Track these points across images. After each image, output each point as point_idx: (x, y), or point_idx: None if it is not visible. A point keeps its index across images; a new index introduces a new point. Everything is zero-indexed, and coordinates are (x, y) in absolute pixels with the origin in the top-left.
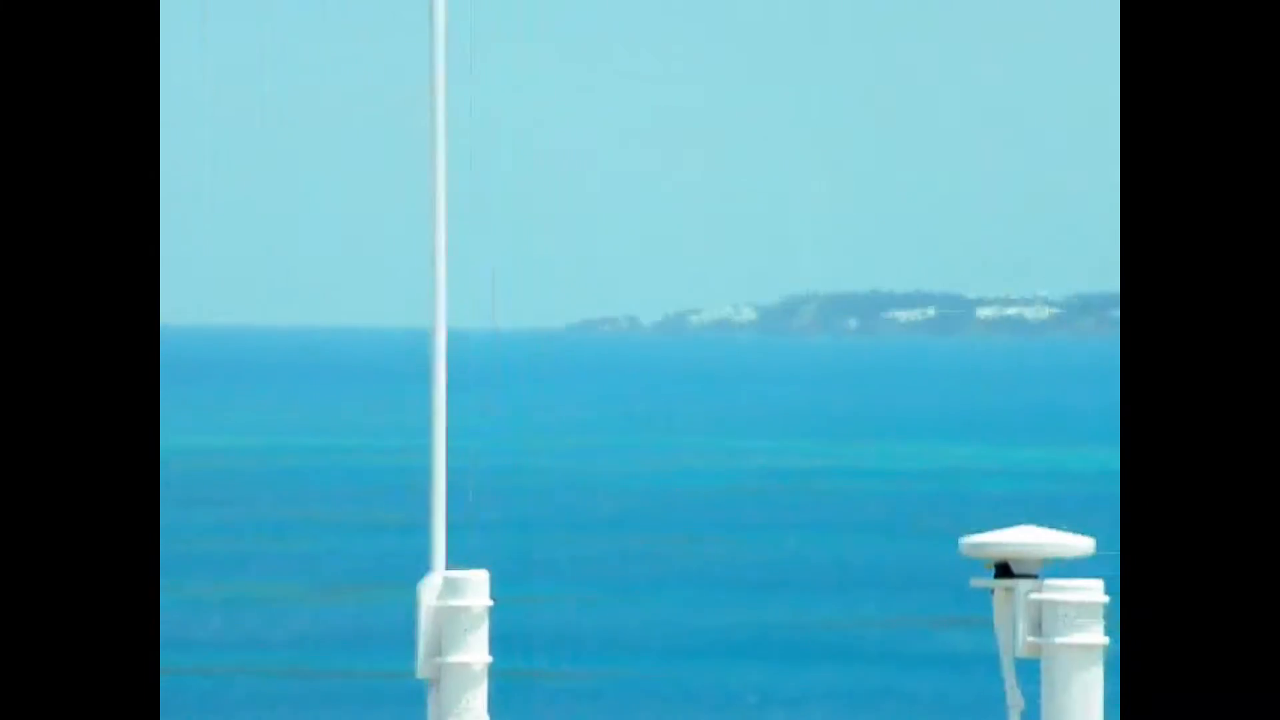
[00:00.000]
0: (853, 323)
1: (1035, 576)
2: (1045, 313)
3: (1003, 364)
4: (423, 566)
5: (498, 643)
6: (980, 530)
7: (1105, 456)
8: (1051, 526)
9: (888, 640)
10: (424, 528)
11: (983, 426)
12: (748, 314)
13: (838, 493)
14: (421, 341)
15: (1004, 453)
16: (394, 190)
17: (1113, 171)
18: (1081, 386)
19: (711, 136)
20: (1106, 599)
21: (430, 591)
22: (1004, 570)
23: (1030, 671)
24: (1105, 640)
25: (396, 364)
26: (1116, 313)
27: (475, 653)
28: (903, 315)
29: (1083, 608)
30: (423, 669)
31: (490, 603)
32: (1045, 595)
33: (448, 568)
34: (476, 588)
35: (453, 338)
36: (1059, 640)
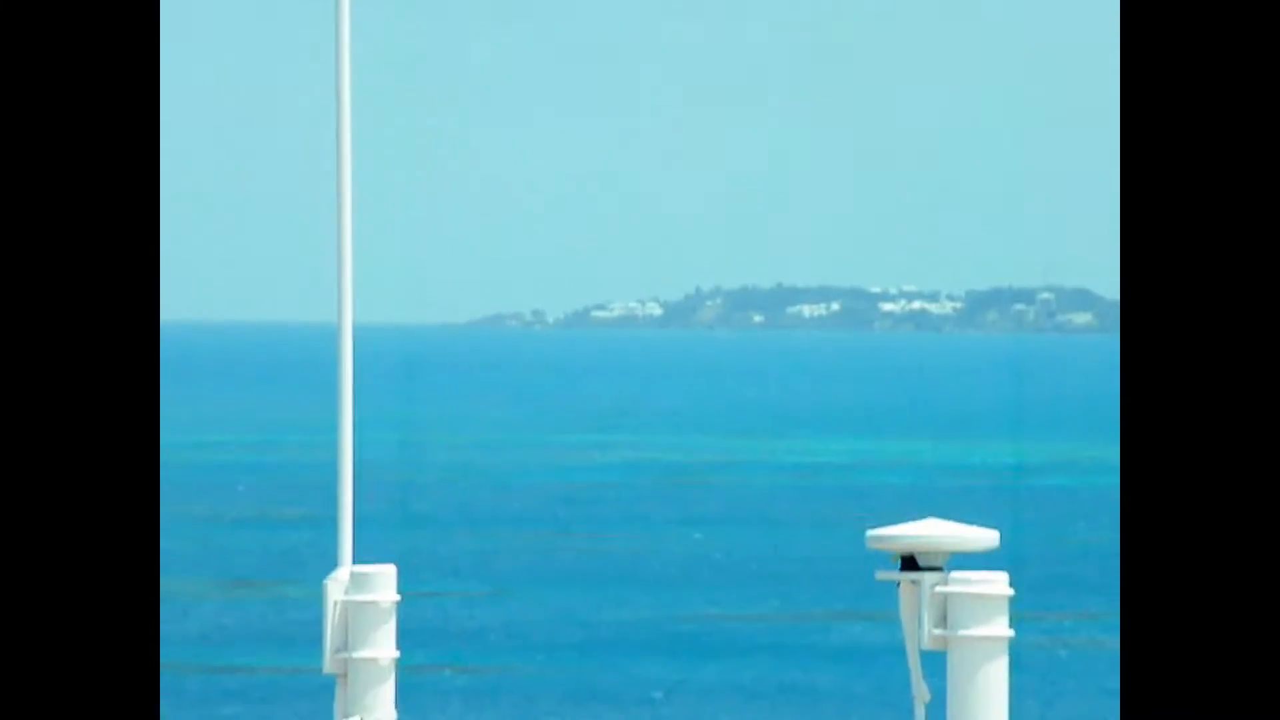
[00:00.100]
0: (758, 317)
1: (941, 569)
2: (949, 307)
3: (907, 358)
4: (330, 561)
5: (405, 638)
6: (885, 524)
7: (1008, 450)
8: (956, 520)
9: (793, 634)
10: (331, 523)
11: (887, 420)
12: (653, 309)
13: (742, 487)
14: (327, 337)
15: (908, 446)
16: (302, 187)
17: (1019, 166)
18: (985, 381)
19: (616, 132)
20: (1011, 592)
21: (337, 586)
22: (910, 563)
23: (936, 664)
24: (1010, 633)
25: (302, 358)
26: (1019, 307)
27: (383, 648)
28: (808, 310)
29: (988, 600)
30: (330, 664)
31: (398, 598)
32: (951, 588)
33: (355, 563)
34: (384, 583)
35: (359, 333)
36: (964, 633)
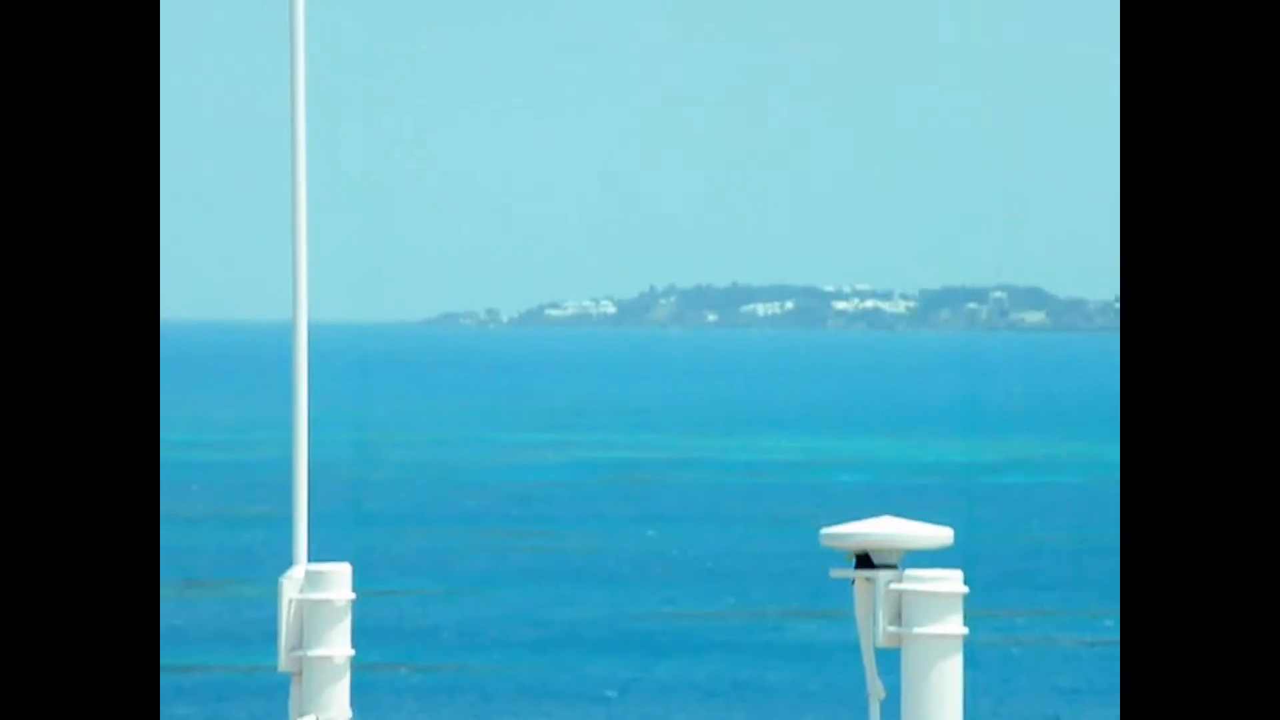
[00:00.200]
0: (712, 316)
1: (895, 567)
2: (902, 306)
3: (861, 357)
4: (284, 560)
5: (359, 636)
6: (840, 522)
7: (961, 448)
8: (910, 518)
9: (747, 632)
10: (285, 522)
11: (841, 419)
12: (607, 307)
13: (696, 485)
14: (280, 335)
15: (862, 445)
16: (259, 185)
17: (972, 165)
18: (938, 379)
19: (571, 131)
20: (965, 589)
21: (292, 585)
22: (864, 561)
23: (891, 661)
24: (964, 630)
25: (256, 357)
26: (972, 306)
27: (337, 646)
28: (761, 308)
29: (942, 598)
30: (284, 663)
31: (353, 596)
32: (905, 586)
33: (309, 561)
34: (339, 581)
35: (312, 330)
36: (919, 630)
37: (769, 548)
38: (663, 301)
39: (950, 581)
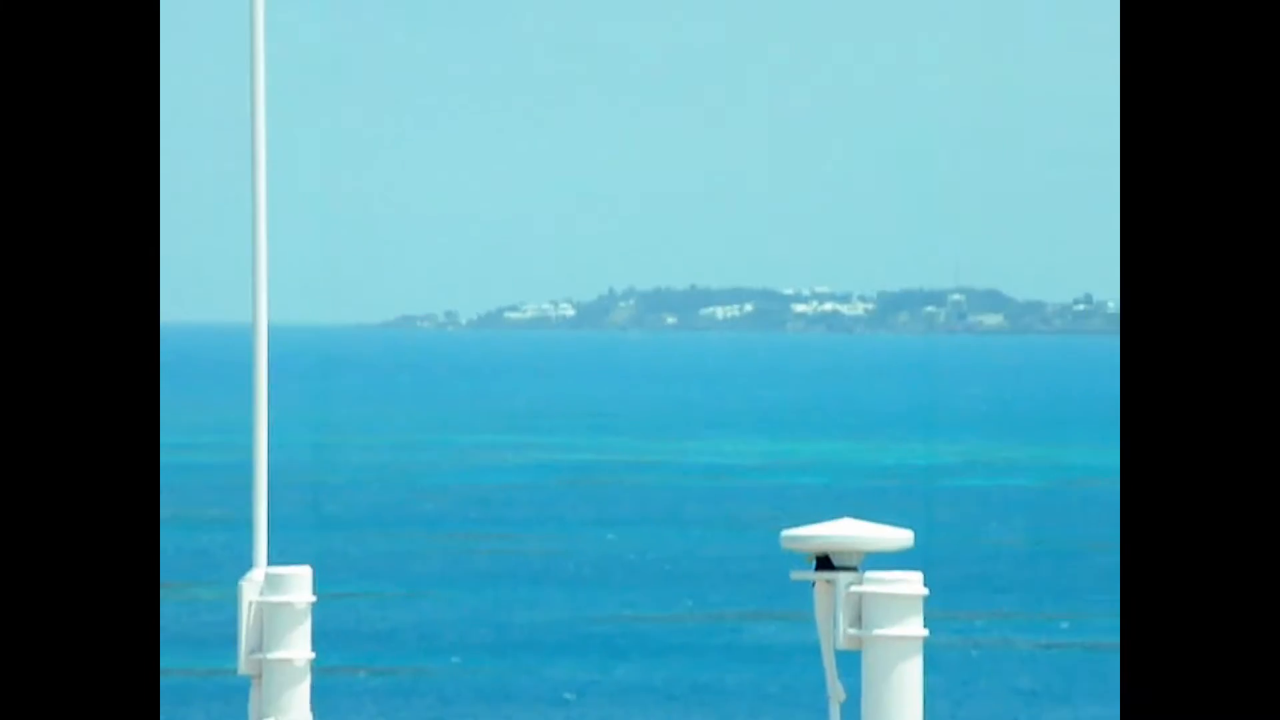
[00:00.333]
0: (671, 318)
1: (855, 569)
2: (860, 309)
3: (819, 359)
4: (243, 563)
5: (319, 639)
6: (800, 524)
7: (920, 451)
8: (870, 520)
9: (707, 635)
10: (244, 524)
11: (800, 421)
12: (565, 310)
13: (656, 488)
14: (239, 336)
15: (821, 447)
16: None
17: (930, 168)
18: (896, 381)
19: (530, 134)
20: (926, 591)
21: (252, 587)
22: (824, 563)
23: (851, 663)
24: (925, 632)
25: (209, 359)
26: (930, 308)
27: (298, 649)
28: (720, 311)
29: (902, 600)
30: (244, 665)
31: (313, 599)
32: (865, 588)
33: (269, 564)
34: (299, 584)
35: (271, 333)
36: (879, 632)
37: (728, 550)
38: (622, 304)
39: (911, 584)
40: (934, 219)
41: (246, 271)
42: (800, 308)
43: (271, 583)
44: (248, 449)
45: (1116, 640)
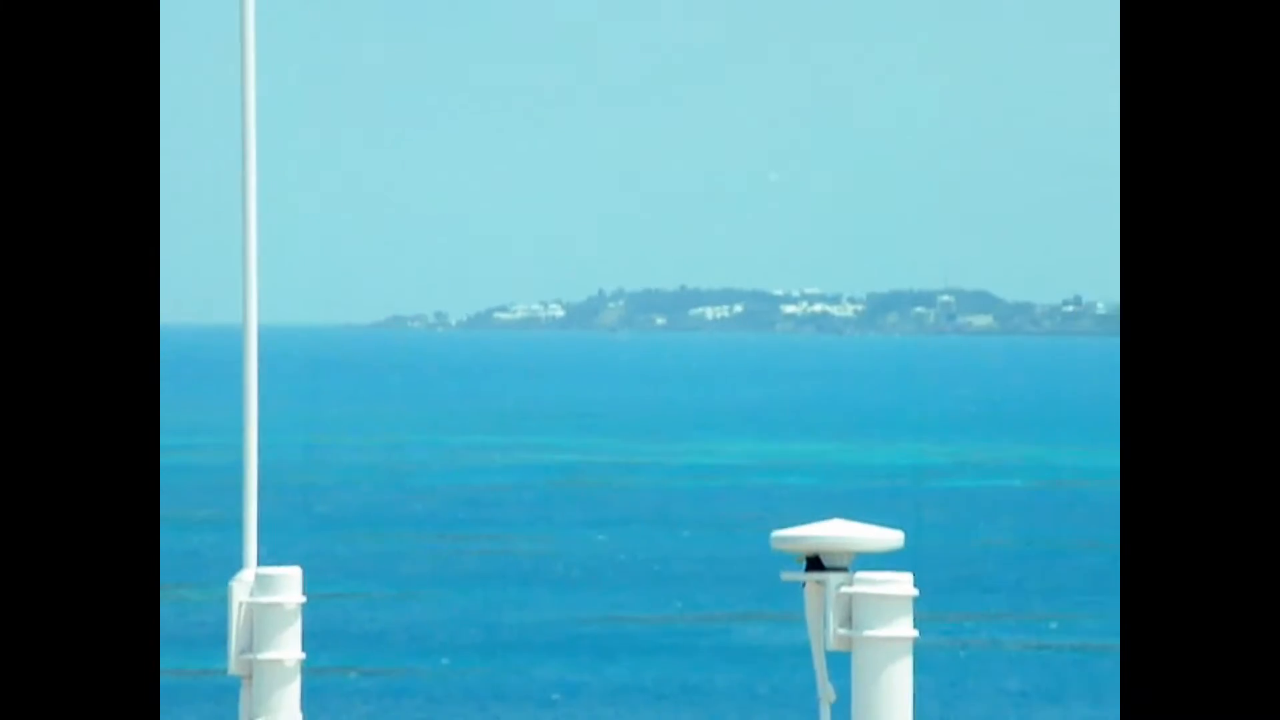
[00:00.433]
0: (660, 319)
1: (846, 570)
2: (850, 309)
3: (809, 360)
4: (232, 564)
5: (309, 639)
6: (790, 525)
7: (909, 452)
8: (860, 520)
9: (696, 635)
10: (233, 525)
11: (789, 422)
12: (555, 310)
13: (645, 489)
14: (231, 337)
15: (811, 448)
16: (212, 189)
17: (919, 169)
18: (886, 382)
19: (519, 134)
20: (916, 592)
21: (242, 588)
22: (815, 564)
23: (841, 664)
24: (915, 633)
25: (205, 359)
26: (919, 309)
27: (288, 649)
28: (710, 312)
29: (893, 601)
30: (235, 666)
31: (303, 599)
32: (856, 588)
33: (259, 564)
34: (289, 585)
35: (261, 334)
36: (869, 633)
37: (718, 551)
38: (611, 305)
39: (901, 584)
40: (923, 220)
41: (237, 272)
42: (790, 308)
43: (262, 583)
44: (238, 450)
45: (1105, 641)
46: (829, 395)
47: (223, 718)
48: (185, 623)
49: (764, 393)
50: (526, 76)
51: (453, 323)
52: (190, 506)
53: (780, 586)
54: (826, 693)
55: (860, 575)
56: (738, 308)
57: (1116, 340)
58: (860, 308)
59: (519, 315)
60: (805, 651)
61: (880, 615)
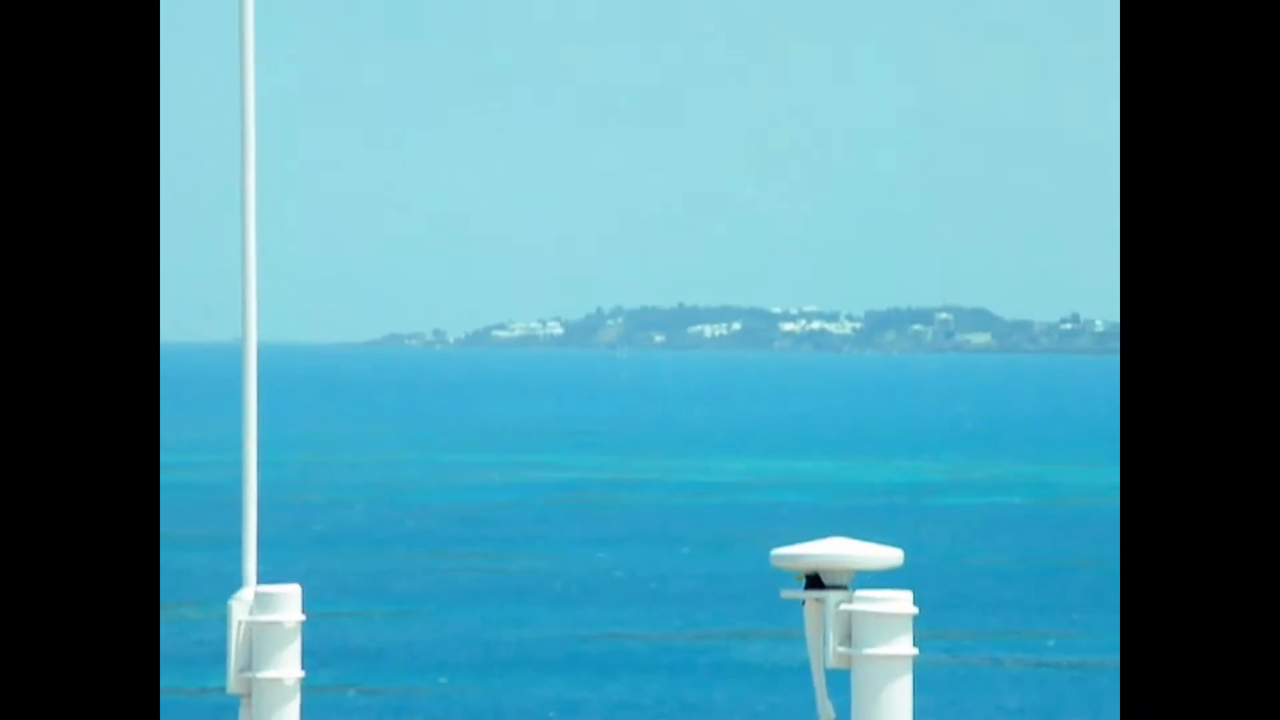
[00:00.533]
0: (659, 337)
1: (845, 588)
2: (848, 327)
3: (807, 378)
4: (230, 582)
5: (308, 658)
6: (789, 542)
7: (907, 469)
8: (860, 538)
9: (696, 653)
10: (231, 543)
11: (788, 440)
12: (554, 328)
13: (644, 506)
14: (230, 355)
15: (810, 465)
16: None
17: (918, 186)
18: (884, 400)
19: (519, 152)
20: (916, 610)
21: (242, 606)
22: (814, 582)
23: (841, 682)
24: (915, 651)
25: (203, 377)
26: (917, 327)
27: (287, 668)
28: (708, 329)
29: (892, 619)
30: (234, 684)
31: (302, 617)
32: (855, 606)
33: (259, 582)
34: (288, 603)
35: (261, 352)
36: (869, 651)
37: (717, 568)
38: (610, 322)
39: (900, 602)
40: (921, 238)
41: (235, 291)
42: (788, 326)
43: (261, 601)
44: (236, 467)
45: (1104, 658)
46: (827, 413)
47: None
48: (184, 641)
49: (763, 410)
50: (525, 94)
51: (451, 340)
52: (189, 524)
53: (780, 604)
54: (826, 711)
55: (860, 593)
56: (736, 325)
57: (1114, 358)
58: (858, 325)
59: (517, 333)
60: (805, 669)
61: (880, 633)
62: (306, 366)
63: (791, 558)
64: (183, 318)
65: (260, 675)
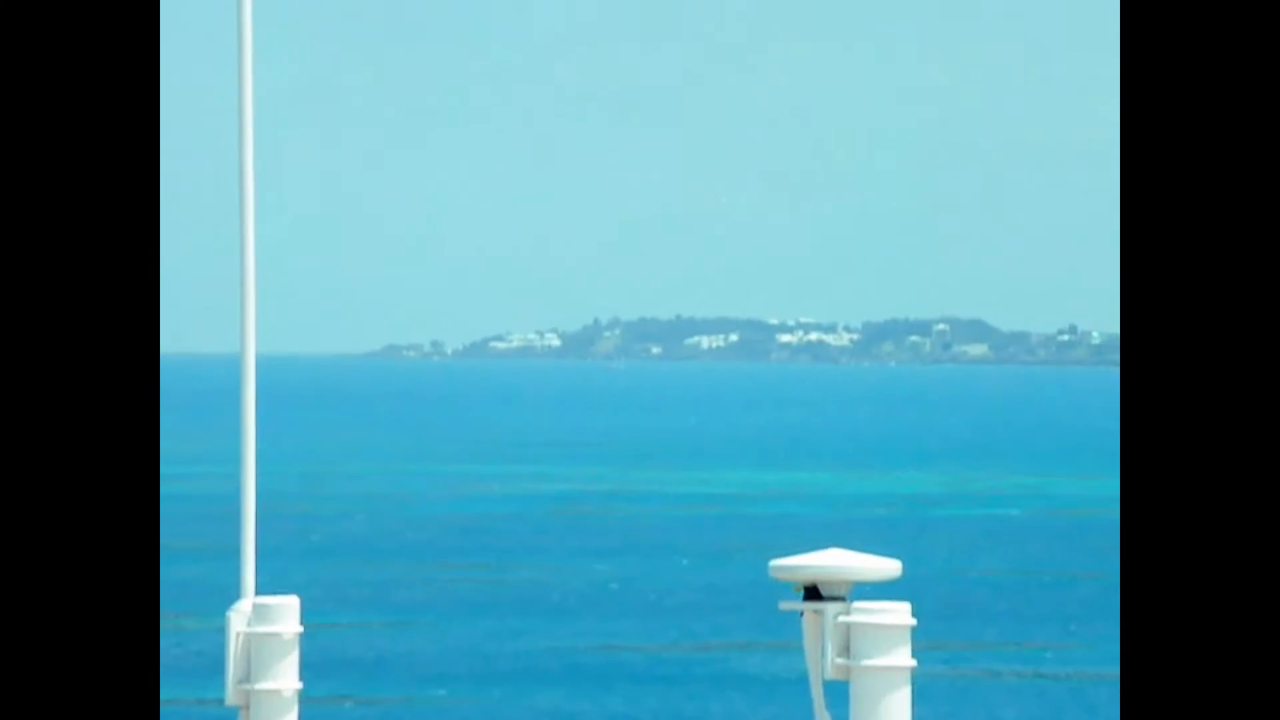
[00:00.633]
0: (656, 348)
1: (843, 599)
2: (845, 338)
3: (804, 389)
4: (227, 593)
5: (306, 669)
6: (787, 554)
7: (904, 481)
8: (858, 550)
9: (694, 664)
10: (229, 554)
11: (785, 451)
12: (551, 340)
13: (642, 517)
14: (228, 367)
15: (807, 477)
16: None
17: (914, 198)
18: (881, 411)
19: (516, 163)
20: (914, 622)
21: (240, 618)
22: (813, 593)
23: (839, 693)
24: (913, 662)
25: (200, 388)
26: (915, 338)
27: (285, 679)
28: (706, 341)
29: (891, 630)
30: (232, 696)
31: (300, 629)
32: (854, 618)
33: (257, 594)
34: (287, 614)
35: (259, 363)
36: (867, 662)
37: (715, 580)
38: (607, 334)
39: (899, 614)
40: (919, 249)
41: (234, 302)
42: (785, 337)
43: (259, 613)
44: (235, 479)
45: (1103, 669)
46: (825, 424)
47: None
48: (183, 652)
49: (760, 421)
50: (523, 104)
51: (449, 352)
52: (188, 536)
53: (778, 616)
54: None
55: (858, 604)
56: (733, 336)
57: (1111, 369)
58: (856, 336)
59: (515, 344)
60: (803, 681)
61: (878, 644)
62: (305, 378)
63: (790, 569)
64: (182, 329)
65: (258, 687)
